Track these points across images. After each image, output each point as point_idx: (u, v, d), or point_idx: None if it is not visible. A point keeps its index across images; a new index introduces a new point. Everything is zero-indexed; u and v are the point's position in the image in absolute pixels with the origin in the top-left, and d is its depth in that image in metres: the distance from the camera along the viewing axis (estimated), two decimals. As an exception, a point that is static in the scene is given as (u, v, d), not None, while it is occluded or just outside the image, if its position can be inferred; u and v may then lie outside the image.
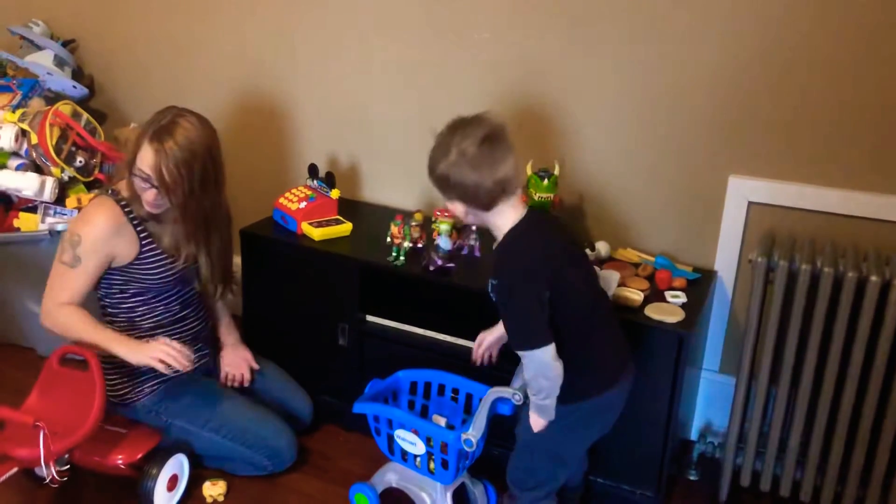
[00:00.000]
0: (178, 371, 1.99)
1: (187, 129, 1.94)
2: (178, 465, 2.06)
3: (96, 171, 2.64)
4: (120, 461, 1.98)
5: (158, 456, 2.01)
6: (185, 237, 2.06)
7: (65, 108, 2.59)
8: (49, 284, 2.04)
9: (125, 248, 2.02)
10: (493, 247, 1.70)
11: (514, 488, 1.84)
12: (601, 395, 1.71)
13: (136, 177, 1.96)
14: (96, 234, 1.99)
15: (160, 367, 1.95)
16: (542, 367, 1.60)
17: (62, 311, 2.02)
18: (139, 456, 1.99)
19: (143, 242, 2.04)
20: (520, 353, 1.62)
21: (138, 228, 2.03)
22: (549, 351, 1.59)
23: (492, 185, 1.58)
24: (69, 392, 1.94)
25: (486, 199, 1.60)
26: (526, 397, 1.74)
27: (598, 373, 1.71)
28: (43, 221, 2.54)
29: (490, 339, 1.95)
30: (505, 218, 1.64)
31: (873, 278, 1.79)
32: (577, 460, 1.84)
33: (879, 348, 1.83)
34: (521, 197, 1.68)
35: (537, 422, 1.70)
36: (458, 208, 1.65)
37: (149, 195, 1.98)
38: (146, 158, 1.93)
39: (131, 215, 2.02)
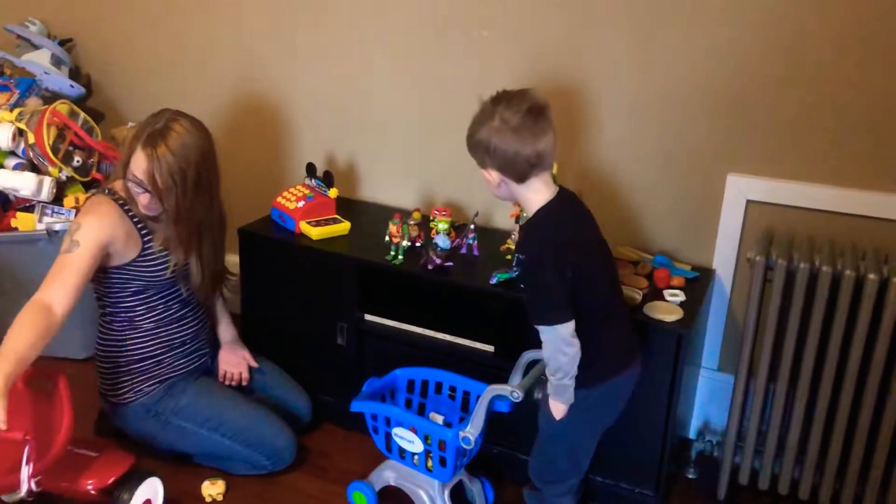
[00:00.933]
0: None
1: (181, 134, 1.93)
2: (151, 489, 1.97)
3: (94, 171, 2.64)
4: (90, 486, 1.86)
5: (131, 480, 1.91)
6: (176, 241, 2.05)
7: (62, 107, 2.59)
8: (48, 275, 1.95)
9: (125, 243, 2.01)
10: (519, 223, 1.70)
11: (537, 481, 1.87)
12: (614, 379, 1.74)
13: (130, 181, 1.95)
14: (95, 222, 1.95)
15: None
16: (562, 342, 1.62)
17: (31, 306, 1.86)
18: (110, 481, 1.88)
19: (145, 240, 2.04)
20: (539, 327, 1.64)
21: (139, 226, 2.03)
22: (570, 327, 1.62)
23: (530, 156, 1.60)
24: (36, 414, 1.83)
25: (522, 170, 1.62)
26: (528, 394, 1.74)
27: (612, 357, 1.74)
28: (40, 221, 2.53)
29: None
30: (537, 193, 1.66)
31: (871, 276, 1.79)
32: (591, 453, 1.85)
33: (878, 346, 1.83)
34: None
35: (558, 408, 1.71)
36: (492, 176, 1.65)
37: (142, 199, 1.97)
38: (139, 164, 1.92)
39: (130, 213, 2.02)
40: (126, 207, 2.02)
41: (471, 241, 2.20)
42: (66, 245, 1.93)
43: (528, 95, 1.63)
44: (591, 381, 1.70)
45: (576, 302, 1.64)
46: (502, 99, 1.63)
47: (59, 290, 1.88)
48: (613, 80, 2.17)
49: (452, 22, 2.33)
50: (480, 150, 1.64)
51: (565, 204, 1.69)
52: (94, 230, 1.93)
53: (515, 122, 1.59)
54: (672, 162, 2.17)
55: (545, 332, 1.63)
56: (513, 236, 2.15)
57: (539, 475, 1.86)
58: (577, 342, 1.63)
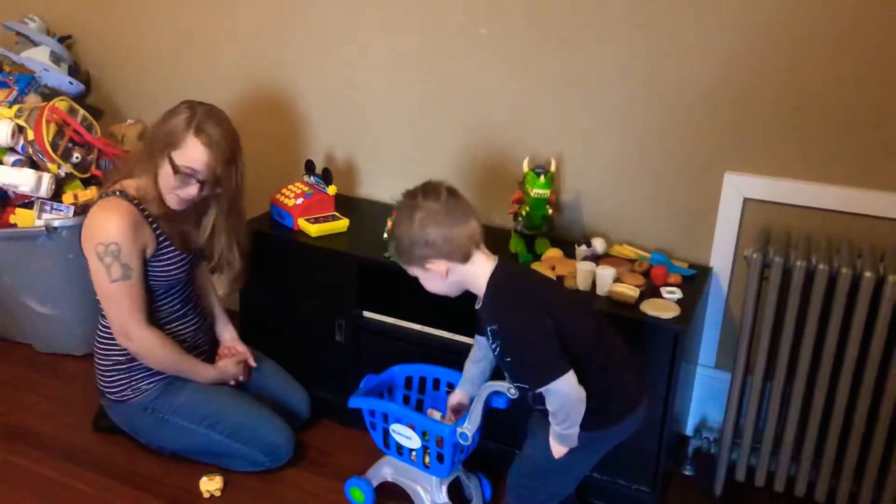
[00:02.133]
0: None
1: (224, 119, 1.99)
2: None
3: (93, 168, 2.64)
4: None
5: None
6: (222, 228, 2.09)
7: (61, 104, 2.59)
8: (116, 308, 2.00)
9: (147, 245, 2.02)
10: (476, 305, 1.68)
11: (514, 499, 1.82)
12: (623, 421, 1.68)
13: (181, 174, 1.94)
14: (126, 234, 1.95)
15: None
16: (567, 397, 1.56)
17: (152, 336, 2.04)
18: None
19: (160, 240, 2.04)
20: (545, 389, 1.56)
21: (153, 226, 2.03)
22: (571, 378, 1.55)
23: (470, 233, 1.61)
24: None
25: (466, 249, 1.61)
26: (522, 398, 1.75)
27: (619, 398, 1.68)
28: (39, 217, 2.54)
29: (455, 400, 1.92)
30: (482, 267, 1.65)
31: (867, 274, 1.80)
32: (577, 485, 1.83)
33: (873, 344, 1.83)
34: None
35: (559, 449, 1.66)
36: (438, 268, 1.63)
37: (191, 190, 1.97)
38: (194, 154, 1.93)
39: (145, 213, 2.01)
40: (141, 207, 2.01)
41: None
42: (120, 272, 1.96)
43: (437, 183, 1.65)
44: (596, 426, 1.65)
45: (570, 345, 1.59)
46: (416, 194, 1.63)
47: (140, 313, 2.02)
48: (611, 78, 2.18)
49: (451, 19, 2.33)
50: (419, 247, 1.61)
51: (511, 266, 1.68)
52: (133, 246, 1.97)
53: (443, 208, 1.60)
54: (669, 160, 2.18)
55: (552, 391, 1.55)
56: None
57: (517, 496, 1.80)
58: (582, 391, 1.56)
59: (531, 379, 1.59)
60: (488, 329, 1.63)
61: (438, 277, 1.64)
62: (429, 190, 1.63)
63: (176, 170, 1.95)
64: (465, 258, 1.62)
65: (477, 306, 1.68)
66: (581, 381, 1.57)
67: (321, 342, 2.32)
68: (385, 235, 2.21)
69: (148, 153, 2.00)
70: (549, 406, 1.60)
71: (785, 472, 2.02)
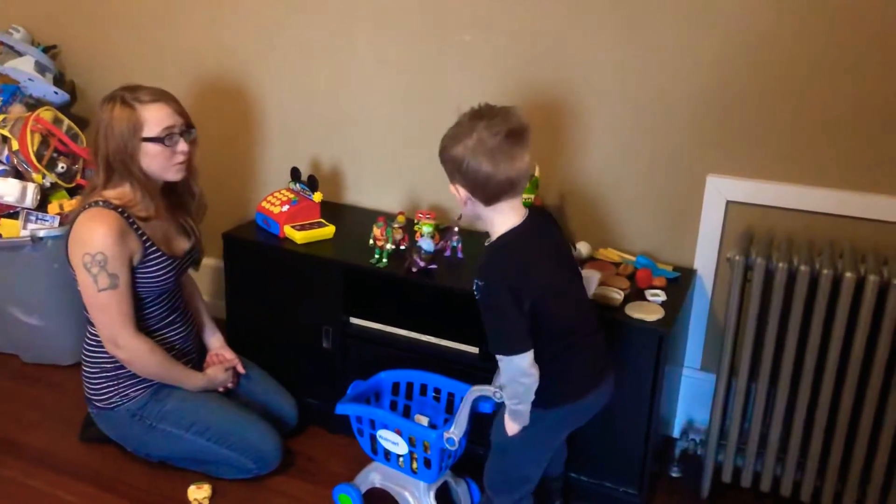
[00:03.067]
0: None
1: (135, 84, 2.03)
2: None
3: (78, 177, 2.64)
4: None
5: None
6: (200, 199, 2.16)
7: (46, 114, 2.59)
8: (105, 317, 2.00)
9: (135, 252, 2.02)
10: (486, 242, 1.67)
11: (490, 490, 1.84)
12: (575, 403, 1.71)
13: (159, 141, 1.96)
14: (112, 243, 1.95)
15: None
16: (518, 372, 1.60)
17: (141, 344, 2.04)
18: None
19: (147, 245, 2.04)
20: (497, 356, 1.62)
21: (139, 232, 2.03)
22: (528, 358, 1.58)
23: (502, 181, 1.55)
24: None
25: (492, 193, 1.57)
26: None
27: (574, 382, 1.70)
28: (24, 227, 2.53)
29: None
30: (503, 217, 1.61)
31: (848, 275, 1.81)
32: (550, 457, 1.84)
33: (855, 343, 1.85)
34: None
35: (511, 426, 1.71)
36: (460, 193, 1.60)
37: (182, 146, 2.01)
38: (159, 114, 1.96)
39: (130, 220, 2.01)
40: (126, 215, 2.01)
41: (455, 244, 2.21)
42: (107, 281, 1.96)
43: (510, 116, 1.56)
44: (549, 403, 1.67)
45: (539, 329, 1.60)
46: (483, 116, 1.56)
47: (129, 322, 2.02)
48: (596, 83, 2.19)
49: (436, 26, 2.34)
50: (452, 165, 1.59)
51: (532, 229, 1.63)
52: (119, 254, 1.97)
53: (492, 145, 1.53)
54: (653, 164, 2.19)
55: (502, 360, 1.60)
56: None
57: (491, 484, 1.83)
58: (535, 372, 1.59)
59: (491, 343, 1.62)
60: (475, 279, 1.61)
61: (460, 199, 1.62)
62: (493, 121, 1.54)
63: (158, 140, 1.97)
64: (488, 201, 1.58)
65: (486, 243, 1.68)
66: (538, 358, 1.59)
67: (308, 349, 2.32)
68: (371, 242, 2.22)
69: (113, 168, 2.00)
70: (501, 377, 1.64)
71: (770, 472, 2.03)
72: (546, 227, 1.70)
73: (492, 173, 1.54)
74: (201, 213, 2.23)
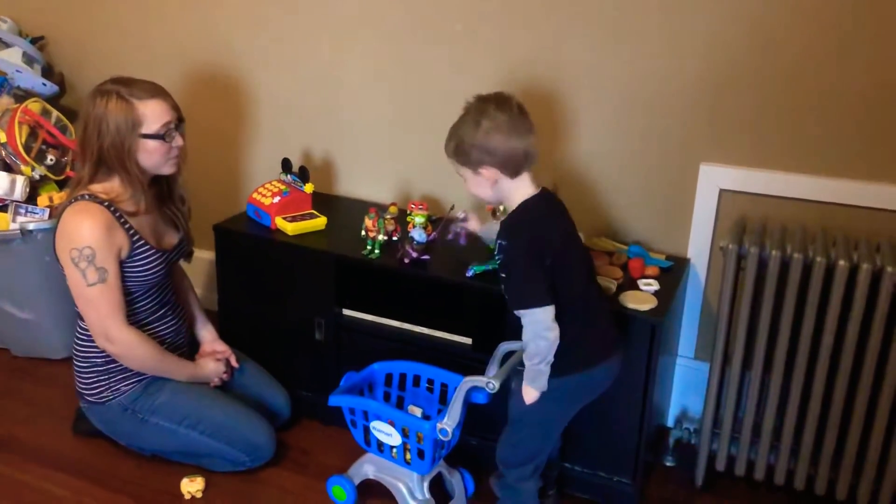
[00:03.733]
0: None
1: (128, 77, 2.00)
2: None
3: (67, 170, 2.62)
4: None
5: None
6: (186, 191, 2.13)
7: (34, 105, 2.57)
8: (94, 311, 1.99)
9: (122, 246, 2.00)
10: (502, 218, 1.78)
11: (502, 465, 1.88)
12: (589, 371, 1.77)
13: (159, 138, 1.96)
14: (100, 237, 1.94)
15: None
16: (542, 326, 1.65)
17: (133, 337, 2.02)
18: None
19: (134, 239, 2.02)
20: (520, 312, 1.67)
21: (126, 226, 2.01)
22: (550, 311, 1.65)
23: (526, 150, 1.69)
24: None
25: (518, 165, 1.69)
26: (505, 385, 1.76)
27: (590, 347, 1.77)
28: (14, 220, 2.51)
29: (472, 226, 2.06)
30: (525, 188, 1.73)
31: (842, 263, 1.81)
32: (556, 438, 1.89)
33: (848, 331, 1.85)
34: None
35: (530, 393, 1.73)
36: (488, 175, 1.70)
37: (178, 140, 2.01)
38: (157, 110, 1.96)
39: (117, 214, 2.00)
40: (112, 209, 1.99)
41: (459, 230, 2.09)
42: (96, 276, 1.95)
43: (511, 97, 1.72)
44: (566, 370, 1.72)
45: (557, 290, 1.67)
46: (488, 100, 1.71)
47: (120, 315, 2.01)
48: (587, 72, 2.18)
49: (426, 16, 2.33)
50: (479, 150, 1.68)
51: (546, 201, 1.76)
52: (107, 248, 1.95)
53: (510, 120, 1.68)
54: (645, 153, 2.19)
55: (526, 316, 1.66)
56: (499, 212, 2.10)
57: (504, 460, 1.87)
58: (556, 327, 1.66)
59: (512, 297, 1.69)
60: (497, 242, 1.72)
61: (486, 183, 1.72)
62: (501, 101, 1.70)
63: (158, 137, 1.96)
64: (515, 173, 1.70)
65: (501, 218, 1.80)
66: (558, 321, 1.66)
67: (301, 341, 2.31)
68: (363, 233, 2.21)
69: (103, 163, 1.98)
70: (524, 335, 1.69)
71: (764, 460, 2.03)
72: (556, 202, 1.81)
73: (517, 145, 1.68)
74: (187, 216, 2.21)
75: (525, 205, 1.73)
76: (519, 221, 1.72)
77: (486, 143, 1.67)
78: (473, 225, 2.06)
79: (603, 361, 1.78)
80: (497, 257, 1.72)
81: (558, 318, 1.66)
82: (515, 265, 1.68)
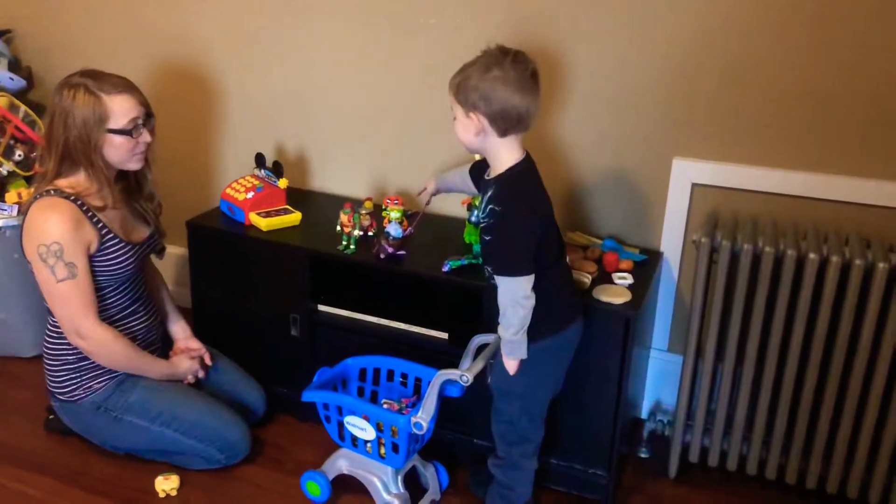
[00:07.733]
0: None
1: (97, 70, 1.99)
2: None
3: (36, 165, 2.57)
4: None
5: None
6: (150, 165, 2.10)
7: (1, 100, 2.53)
8: (65, 309, 1.96)
9: (91, 240, 1.98)
10: (487, 175, 1.76)
11: (500, 444, 1.90)
12: (562, 332, 1.81)
13: (126, 133, 1.94)
14: (67, 233, 1.92)
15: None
16: (521, 294, 1.68)
17: (105, 333, 2.00)
18: None
19: (103, 233, 2.00)
20: (502, 277, 1.69)
21: (94, 220, 1.99)
22: (531, 281, 1.68)
23: (522, 111, 1.66)
24: None
25: (510, 125, 1.67)
26: (479, 377, 1.77)
27: (561, 311, 1.81)
28: (-18, 217, 2.48)
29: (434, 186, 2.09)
30: (511, 151, 1.72)
31: (812, 256, 1.83)
32: (545, 409, 1.89)
33: (818, 323, 1.87)
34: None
35: (511, 364, 1.77)
36: (477, 122, 1.67)
37: (146, 136, 2.00)
38: (125, 106, 1.94)
39: (84, 208, 1.97)
40: (79, 203, 1.97)
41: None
42: (66, 272, 1.93)
43: (531, 59, 1.70)
44: (541, 334, 1.76)
45: (539, 255, 1.70)
46: (507, 53, 1.68)
47: (91, 311, 1.98)
48: (561, 67, 2.19)
49: (400, 9, 2.32)
50: (477, 94, 1.66)
51: (532, 168, 1.76)
52: (75, 243, 1.93)
53: (521, 78, 1.65)
54: (619, 147, 2.20)
55: (506, 283, 1.68)
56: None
57: (502, 438, 1.89)
58: (533, 296, 1.69)
59: (497, 263, 1.71)
60: (488, 206, 1.71)
61: (472, 130, 1.69)
62: (519, 58, 1.67)
63: (123, 132, 1.94)
64: (503, 132, 1.68)
65: (487, 176, 1.77)
66: (535, 289, 1.69)
67: (276, 337, 2.30)
68: (338, 229, 2.20)
69: (69, 157, 1.95)
70: (500, 300, 1.71)
71: (737, 451, 2.06)
72: (538, 174, 1.80)
73: (517, 104, 1.65)
74: (157, 213, 2.20)
75: (517, 171, 1.72)
76: (516, 190, 1.71)
77: (487, 90, 1.64)
78: (431, 186, 2.09)
79: (573, 322, 1.83)
80: (484, 219, 1.72)
81: (535, 286, 1.69)
82: (508, 233, 1.68)
